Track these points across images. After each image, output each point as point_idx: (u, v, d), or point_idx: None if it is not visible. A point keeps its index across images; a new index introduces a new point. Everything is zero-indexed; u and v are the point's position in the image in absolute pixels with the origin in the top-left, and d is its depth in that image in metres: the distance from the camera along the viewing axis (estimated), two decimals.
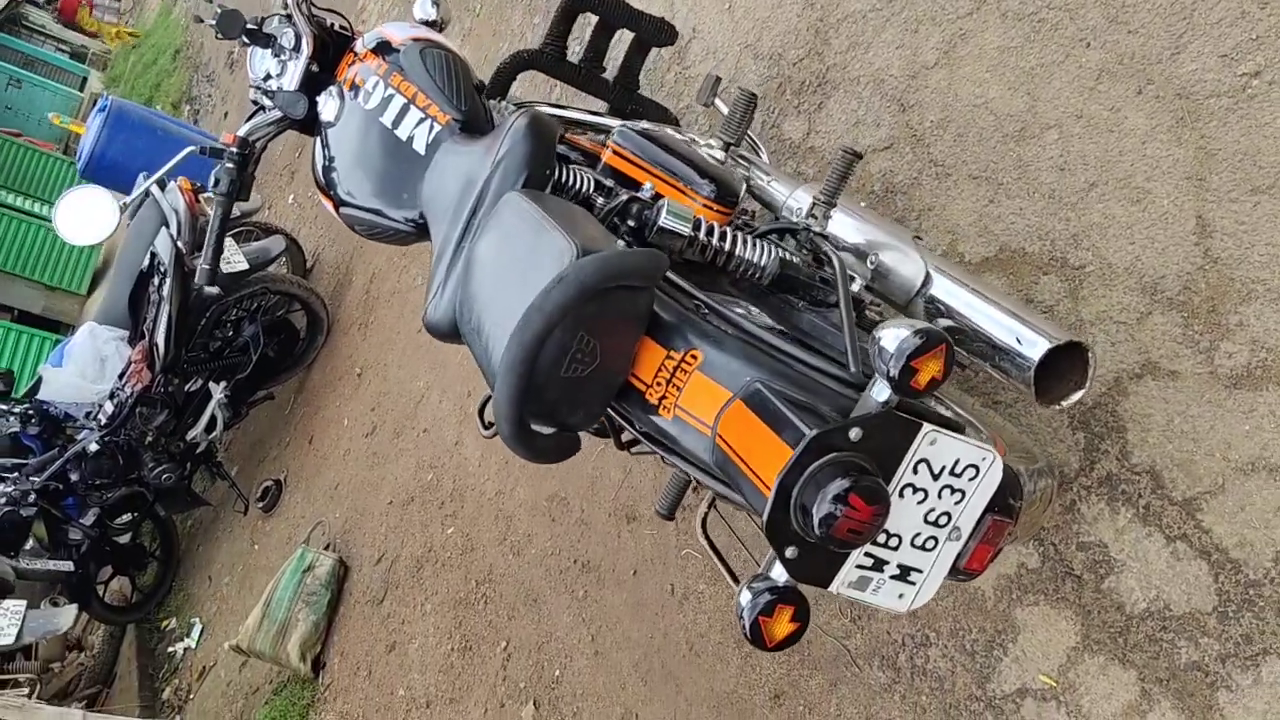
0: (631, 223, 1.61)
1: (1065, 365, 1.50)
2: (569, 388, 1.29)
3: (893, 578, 1.26)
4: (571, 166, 1.75)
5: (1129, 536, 1.67)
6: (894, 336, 1.16)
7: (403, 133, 1.95)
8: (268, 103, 2.29)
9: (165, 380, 4.83)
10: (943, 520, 1.25)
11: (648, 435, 1.41)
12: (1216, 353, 1.64)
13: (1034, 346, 1.48)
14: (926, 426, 1.19)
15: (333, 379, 5.05)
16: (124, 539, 5.30)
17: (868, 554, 1.23)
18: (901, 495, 1.22)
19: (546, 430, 1.34)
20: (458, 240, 1.63)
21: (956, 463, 1.23)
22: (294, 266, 5.60)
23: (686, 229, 1.59)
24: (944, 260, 1.72)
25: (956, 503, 1.25)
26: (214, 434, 5.13)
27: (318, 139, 2.19)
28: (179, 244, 4.70)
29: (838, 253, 1.65)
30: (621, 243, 1.41)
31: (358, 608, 3.93)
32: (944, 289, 1.67)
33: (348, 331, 5.03)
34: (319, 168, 2.17)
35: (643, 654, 2.55)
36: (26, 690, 3.92)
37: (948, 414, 1.32)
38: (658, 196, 1.65)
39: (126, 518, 5.25)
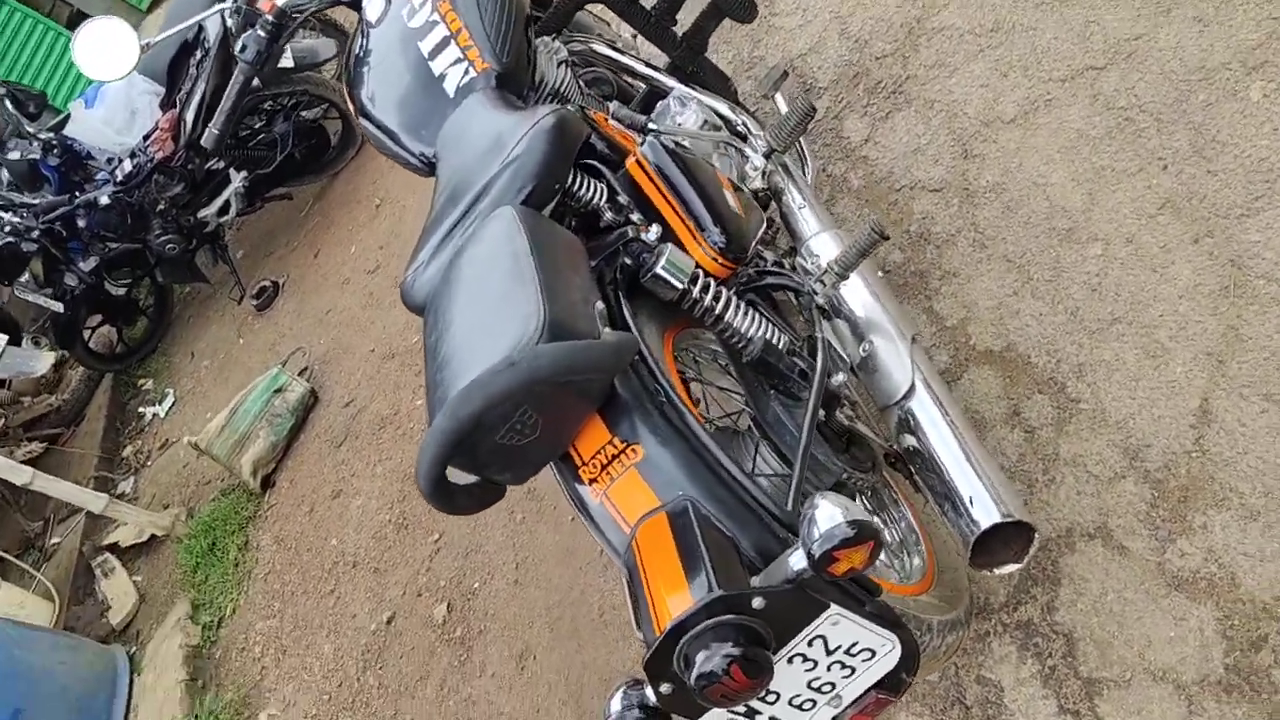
0: (629, 260, 1.54)
1: (1010, 533, 1.47)
2: (502, 452, 1.26)
3: None
4: (588, 176, 1.65)
5: (1026, 691, 1.68)
6: (828, 516, 1.13)
7: (436, 67, 1.84)
8: None
9: (187, 155, 4.77)
10: (826, 689, 1.25)
11: (575, 503, 1.39)
12: (1171, 546, 1.60)
13: (985, 514, 1.45)
14: (833, 609, 1.17)
15: (352, 200, 4.99)
16: (119, 292, 5.35)
17: (752, 712, 1.23)
18: (790, 661, 1.21)
19: (470, 479, 1.32)
20: (452, 223, 1.56)
21: (855, 644, 1.21)
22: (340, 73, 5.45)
23: (682, 283, 1.52)
24: (934, 376, 1.66)
25: (844, 677, 1.24)
26: (225, 218, 5.11)
27: (358, 30, 2.08)
28: (230, 25, 4.56)
29: (827, 348, 1.59)
30: (599, 305, 1.35)
31: (316, 443, 4.00)
32: (924, 409, 1.61)
33: (375, 157, 4.93)
34: (351, 62, 2.07)
35: (557, 601, 2.60)
36: None
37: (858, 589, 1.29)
38: (663, 239, 1.57)
39: (125, 273, 5.29)
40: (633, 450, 1.29)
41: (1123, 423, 1.73)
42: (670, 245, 1.54)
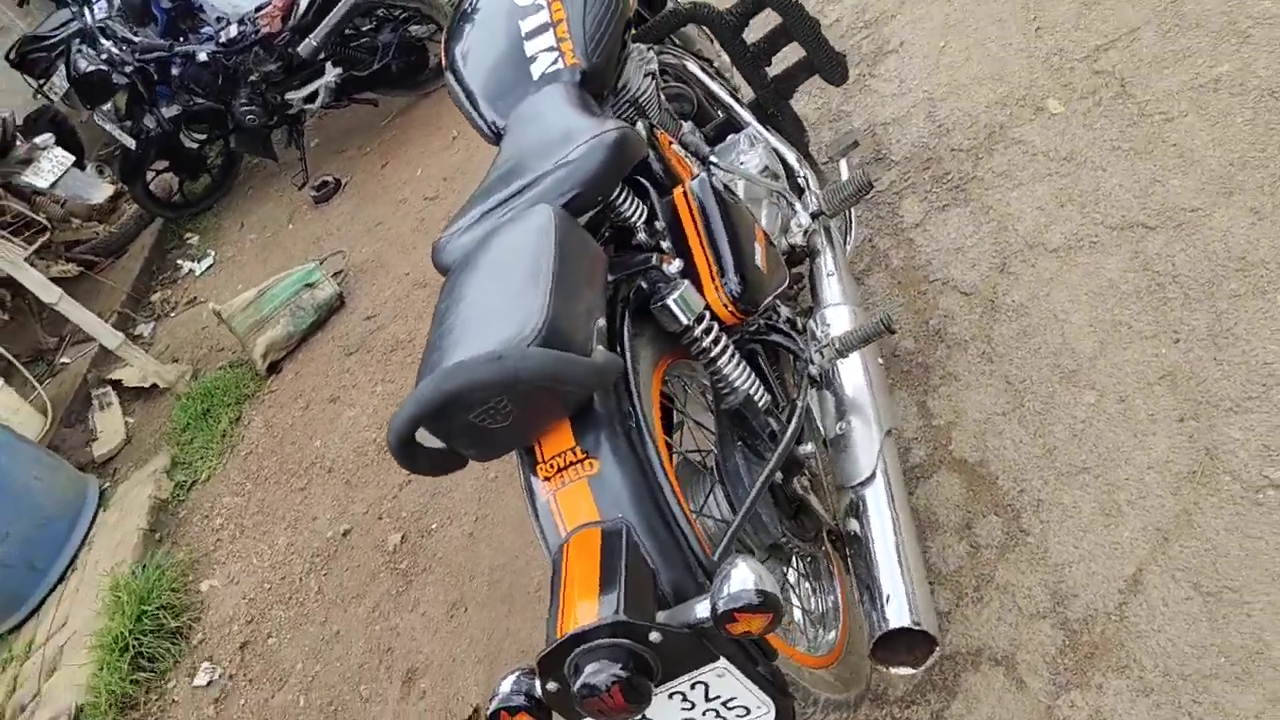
0: (645, 285, 1.62)
1: (916, 639, 1.54)
2: (472, 430, 1.34)
3: None
4: (634, 194, 1.73)
5: None
6: (741, 579, 1.21)
7: (529, 48, 1.92)
8: None
9: (290, 38, 4.89)
10: None
11: (526, 491, 1.47)
12: (1065, 695, 1.67)
13: (896, 614, 1.52)
14: (721, 662, 1.26)
15: (432, 125, 5.09)
16: (191, 146, 5.49)
17: None
18: (670, 697, 1.29)
19: (437, 445, 1.41)
20: (497, 202, 1.64)
21: (734, 699, 1.30)
22: None
23: (686, 320, 1.60)
24: (896, 473, 1.73)
25: (715, 714, 1.33)
26: (310, 106, 5.23)
27: None
28: None
29: (805, 416, 1.67)
30: (601, 323, 1.43)
31: (329, 346, 4.12)
32: (876, 500, 1.69)
33: None
34: (458, 15, 2.15)
35: (502, 564, 2.70)
36: (25, 251, 4.18)
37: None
38: (684, 273, 1.64)
39: (202, 130, 5.42)
40: (590, 463, 1.37)
41: (1060, 567, 1.80)
42: (687, 282, 1.61)
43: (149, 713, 3.08)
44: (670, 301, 1.59)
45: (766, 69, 2.40)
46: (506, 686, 1.31)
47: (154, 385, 4.53)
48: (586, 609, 1.24)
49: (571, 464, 1.39)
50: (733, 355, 1.67)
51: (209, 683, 3.06)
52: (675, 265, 1.63)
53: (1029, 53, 2.69)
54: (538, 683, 1.28)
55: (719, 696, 1.30)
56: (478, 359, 1.27)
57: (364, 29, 5.03)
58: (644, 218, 1.73)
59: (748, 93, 2.52)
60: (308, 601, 3.09)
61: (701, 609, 1.23)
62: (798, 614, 1.83)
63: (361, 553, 3.10)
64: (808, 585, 1.85)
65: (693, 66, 2.37)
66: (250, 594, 3.27)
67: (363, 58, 5.05)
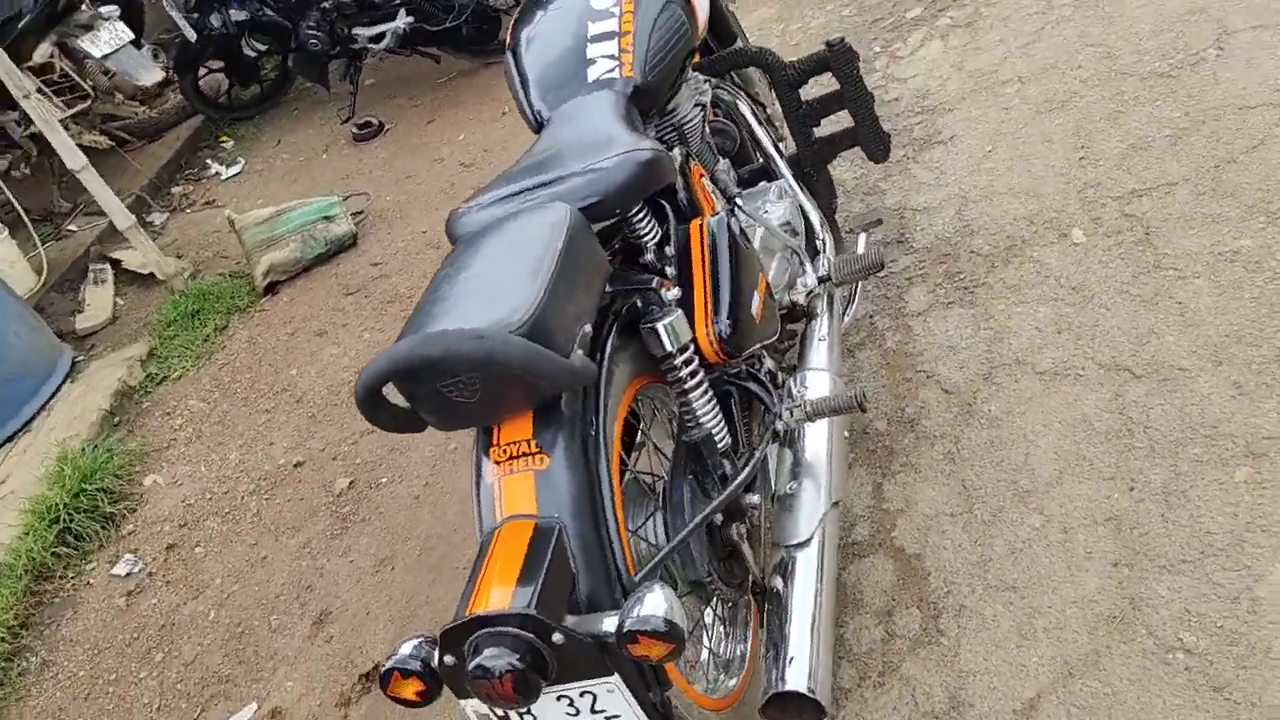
0: (639, 302, 1.65)
1: (807, 706, 1.57)
2: (438, 398, 1.38)
3: None
4: (653, 215, 1.77)
5: None
6: (653, 604, 1.24)
7: (591, 51, 1.96)
8: None
9: None
10: None
11: (474, 466, 1.50)
12: None
13: (794, 677, 1.56)
14: (614, 679, 1.29)
15: (486, 95, 5.14)
16: (249, 54, 5.53)
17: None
18: (558, 699, 1.33)
19: (402, 403, 1.44)
20: (521, 188, 1.68)
21: (616, 717, 1.33)
22: None
23: (670, 347, 1.64)
24: (832, 544, 1.78)
25: None
26: (374, 46, 5.27)
27: None
28: None
29: (759, 467, 1.71)
30: (587, 329, 1.46)
31: (330, 281, 4.15)
32: (806, 565, 1.73)
33: None
34: (531, 3, 2.19)
35: (439, 533, 2.73)
36: (62, 113, 4.21)
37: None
38: (680, 302, 1.68)
39: (264, 40, 5.46)
40: (542, 459, 1.41)
41: (965, 674, 1.84)
42: (680, 312, 1.65)
43: (62, 589, 3.10)
44: (660, 326, 1.63)
45: (814, 128, 2.45)
46: (406, 649, 1.34)
47: (151, 274, 4.55)
48: (500, 595, 1.27)
49: (524, 455, 1.42)
50: (706, 392, 1.70)
51: (127, 574, 3.08)
52: (673, 293, 1.67)
53: (1068, 179, 2.74)
54: (436, 653, 1.32)
55: (604, 711, 1.33)
56: (460, 332, 1.30)
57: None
58: (656, 240, 1.77)
59: (791, 146, 2.57)
60: (243, 522, 3.12)
61: (609, 623, 1.27)
62: (705, 654, 1.86)
63: (307, 488, 3.13)
64: (721, 629, 1.88)
65: (744, 108, 2.42)
66: (190, 499, 3.29)
67: (436, 13, 5.10)
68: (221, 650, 2.71)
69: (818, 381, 2.02)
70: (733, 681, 1.80)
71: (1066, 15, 3.37)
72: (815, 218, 2.41)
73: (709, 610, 1.88)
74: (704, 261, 1.77)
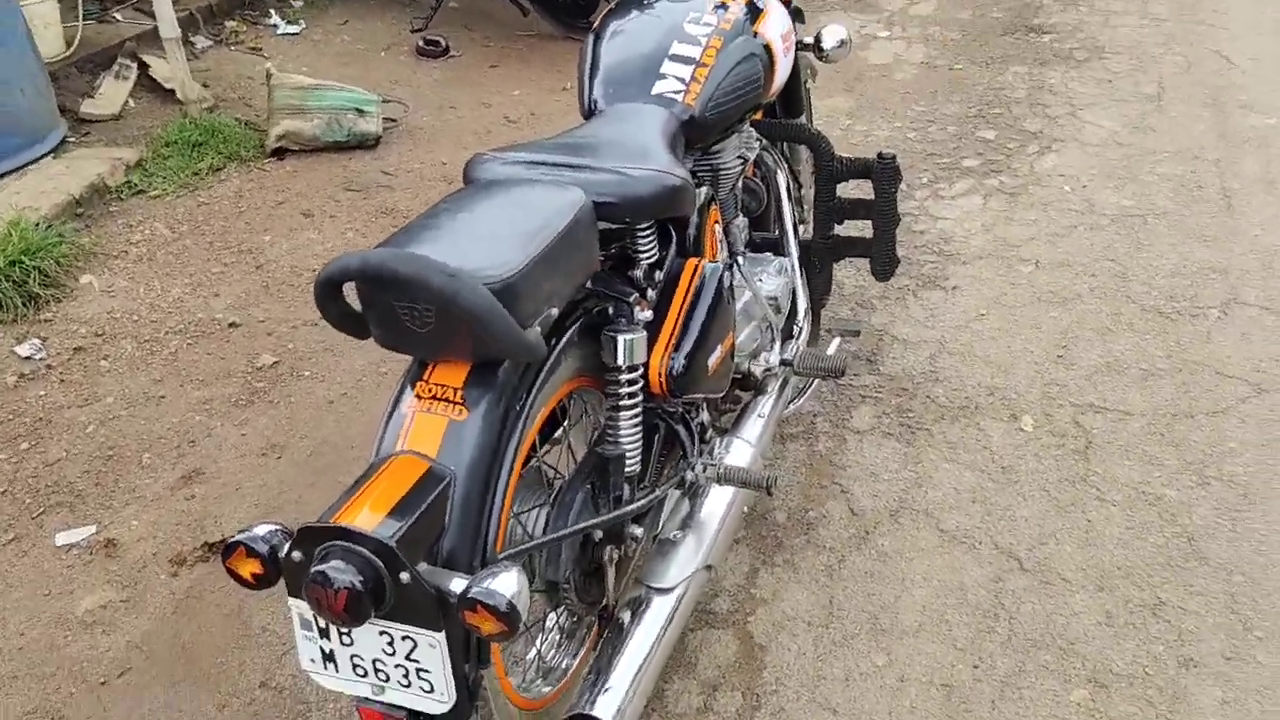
0: (610, 309, 1.69)
1: None
2: (390, 314, 1.40)
3: (322, 651, 1.40)
4: (659, 236, 1.81)
5: None
6: (504, 583, 1.27)
7: (665, 68, 1.99)
8: None
9: None
10: (380, 675, 1.38)
11: (396, 391, 1.52)
12: None
13: (603, 706, 1.59)
14: (440, 636, 1.31)
15: (557, 64, 5.18)
16: None
17: (325, 631, 1.37)
18: (381, 634, 1.34)
19: (356, 307, 1.46)
20: (549, 161, 1.70)
21: (426, 671, 1.35)
22: None
23: (621, 362, 1.67)
24: (689, 602, 1.81)
25: (398, 682, 1.37)
26: None
27: None
28: None
29: (654, 507, 1.75)
30: (554, 312, 1.49)
31: (336, 171, 4.15)
32: (659, 610, 1.76)
33: None
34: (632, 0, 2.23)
35: (335, 445, 2.73)
36: None
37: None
38: (648, 326, 1.72)
39: None
40: (461, 410, 1.43)
41: None
42: (644, 333, 1.69)
43: None
44: (621, 338, 1.67)
45: (836, 224, 2.51)
46: (259, 530, 1.36)
47: (172, 92, 4.51)
48: (369, 517, 1.29)
49: (447, 400, 1.44)
50: (636, 416, 1.74)
51: (27, 357, 3.04)
52: (646, 314, 1.71)
53: (1040, 369, 2.83)
54: (287, 546, 1.33)
55: (417, 662, 1.35)
56: (437, 264, 1.33)
57: None
58: (650, 262, 1.80)
59: (808, 232, 2.63)
60: (157, 356, 3.09)
61: (457, 584, 1.29)
62: (533, 653, 1.89)
63: (232, 350, 3.12)
64: (557, 637, 1.91)
65: (781, 179, 2.47)
66: (117, 313, 3.26)
67: None
68: (85, 465, 2.68)
69: (740, 451, 2.07)
70: (547, 689, 1.82)
71: (1102, 225, 3.48)
72: (802, 305, 2.47)
73: (553, 615, 1.91)
74: (685, 299, 1.81)
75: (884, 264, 2.47)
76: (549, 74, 5.10)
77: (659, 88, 1.97)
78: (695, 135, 1.97)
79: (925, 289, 3.23)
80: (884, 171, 2.35)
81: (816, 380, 2.38)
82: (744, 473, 1.90)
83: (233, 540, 1.35)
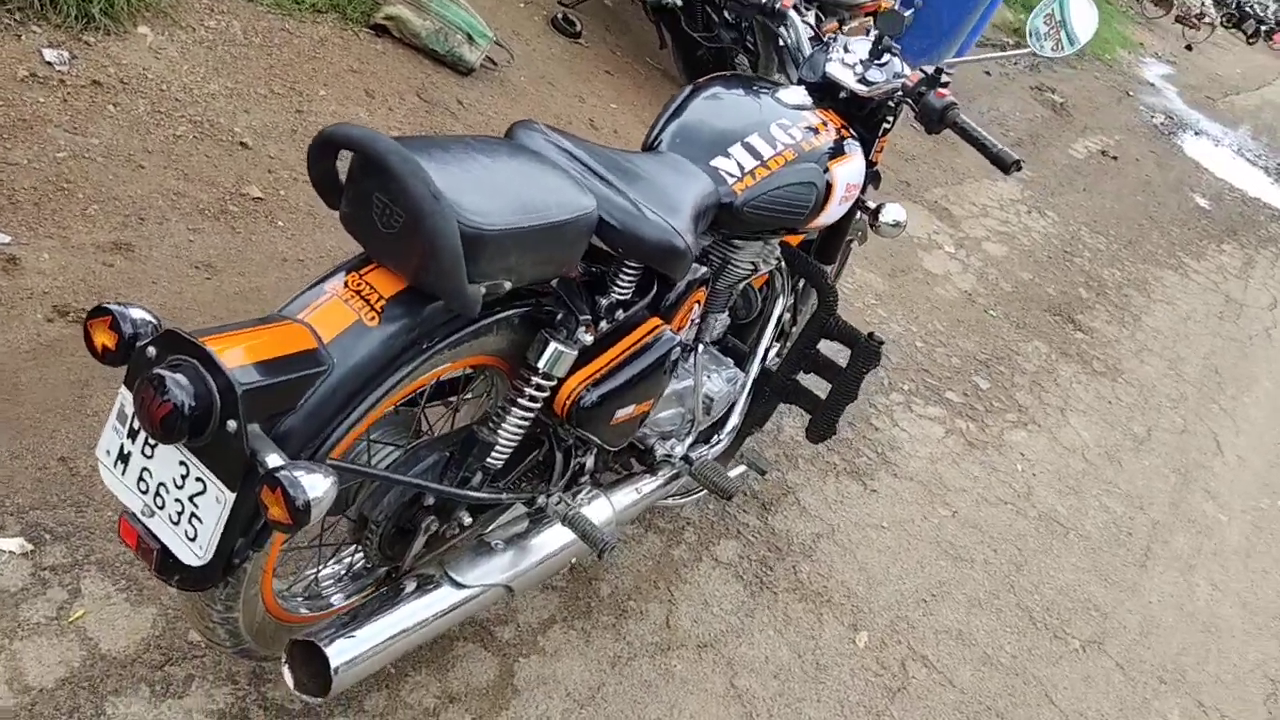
0: (559, 315, 1.70)
1: (316, 674, 1.58)
2: (362, 199, 1.41)
3: (121, 449, 1.39)
4: (642, 282, 1.83)
5: None
6: (315, 484, 1.26)
7: (734, 149, 2.01)
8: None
9: None
10: (158, 500, 1.37)
11: (331, 271, 1.52)
12: None
13: (337, 648, 1.58)
14: (231, 494, 1.31)
15: (661, 100, 5.26)
16: None
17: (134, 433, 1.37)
18: (180, 464, 1.34)
19: (341, 176, 1.47)
20: (584, 162, 1.73)
21: (201, 517, 1.35)
22: None
23: (541, 366, 1.69)
24: (475, 608, 1.82)
25: (173, 514, 1.37)
26: None
27: (782, 51, 2.35)
28: None
29: (493, 512, 1.76)
30: (508, 285, 1.51)
31: (419, 75, 4.18)
32: (440, 600, 1.76)
33: None
34: (751, 78, 2.29)
35: (269, 300, 2.72)
36: None
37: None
38: (584, 350, 1.74)
39: None
40: (375, 319, 1.44)
41: None
42: (575, 354, 1.71)
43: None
44: (553, 344, 1.69)
45: (800, 371, 2.55)
46: (134, 312, 1.36)
47: None
48: (235, 355, 1.29)
49: (368, 303, 1.46)
50: (525, 419, 1.75)
51: (49, 63, 3.03)
52: (587, 338, 1.73)
53: (900, 602, 2.87)
54: (151, 340, 1.33)
55: (197, 507, 1.35)
56: (429, 179, 1.35)
57: (731, 15, 5.18)
58: (620, 299, 1.83)
59: (775, 363, 2.67)
60: (161, 130, 3.09)
61: (273, 459, 1.29)
62: (313, 571, 1.88)
63: (229, 165, 3.11)
64: (343, 572, 1.90)
65: (779, 306, 2.52)
66: (151, 74, 3.26)
67: (713, 28, 5.17)
68: (36, 182, 2.66)
69: (599, 509, 2.07)
70: (304, 610, 1.80)
71: (1028, 515, 3.55)
72: (734, 421, 2.50)
73: (350, 553, 1.90)
74: (630, 347, 1.84)
75: (821, 429, 2.51)
76: (651, 106, 5.18)
77: (719, 163, 2.02)
78: (725, 220, 2.02)
79: (848, 477, 3.28)
80: (866, 351, 2.40)
81: (704, 492, 2.40)
82: (588, 525, 1.91)
83: (106, 306, 1.35)
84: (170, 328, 1.32)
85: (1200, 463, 4.44)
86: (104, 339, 1.35)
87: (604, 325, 1.81)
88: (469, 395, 1.96)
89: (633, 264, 1.79)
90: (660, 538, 2.66)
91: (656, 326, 1.90)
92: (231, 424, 1.27)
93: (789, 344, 2.69)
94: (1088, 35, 2.23)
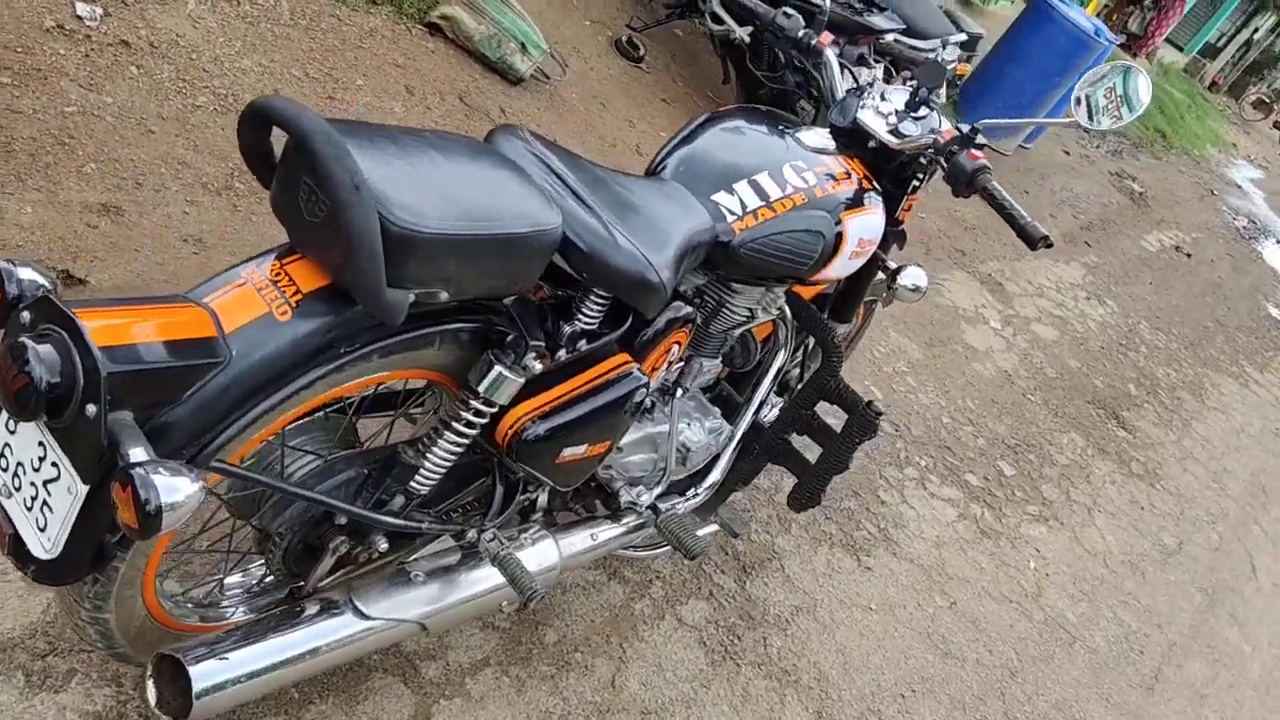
0: (510, 336, 1.55)
1: (178, 689, 1.43)
2: (291, 183, 1.28)
3: None
4: (609, 315, 1.68)
5: None
6: (175, 485, 1.13)
7: (738, 186, 1.86)
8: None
9: None
10: (16, 477, 1.25)
11: (252, 256, 1.40)
12: None
13: (211, 667, 1.43)
14: (82, 487, 1.18)
15: None
16: None
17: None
18: (40, 444, 1.21)
19: (273, 152, 1.34)
20: (569, 183, 1.59)
21: (48, 506, 1.21)
22: None
23: (480, 390, 1.54)
24: (382, 641, 1.66)
25: (27, 499, 1.24)
26: (714, 23, 5.16)
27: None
28: None
29: (416, 540, 1.61)
30: (444, 296, 1.37)
31: (466, 78, 4.09)
32: (343, 628, 1.61)
33: None
34: (783, 118, 2.14)
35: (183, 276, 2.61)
36: None
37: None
38: (536, 377, 1.59)
39: None
40: (287, 313, 1.31)
41: None
42: (522, 381, 1.55)
43: None
44: (496, 368, 1.54)
45: (792, 431, 2.37)
46: (25, 271, 1.26)
47: None
48: (110, 332, 1.17)
49: (283, 294, 1.33)
50: (457, 444, 1.60)
51: (78, 17, 2.97)
52: (536, 366, 1.57)
53: (876, 692, 2.65)
54: (27, 304, 1.21)
55: (49, 495, 1.22)
56: (354, 167, 1.21)
57: (786, 58, 5.04)
58: (584, 328, 1.67)
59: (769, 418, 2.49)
60: (181, 99, 3.02)
61: (135, 453, 1.15)
62: (213, 583, 1.75)
63: (235, 141, 3.02)
64: (246, 586, 1.76)
65: (779, 360, 2.33)
66: (183, 40, 3.19)
67: (778, 69, 5.04)
68: (36, 133, 2.59)
69: (542, 553, 1.91)
70: (192, 619, 1.65)
71: (1033, 617, 3.31)
72: (713, 476, 2.34)
73: (260, 563, 1.75)
74: (587, 382, 1.69)
75: (804, 497, 2.32)
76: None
77: (720, 198, 1.86)
78: (720, 260, 1.86)
79: (843, 550, 3.07)
80: (862, 420, 2.21)
81: (671, 547, 2.22)
82: (518, 570, 1.74)
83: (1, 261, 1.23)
84: (46, 293, 1.19)
85: (1231, 585, 4.16)
86: None
87: (563, 354, 1.65)
88: (416, 411, 1.82)
89: (601, 292, 1.64)
90: (623, 588, 2.49)
91: (624, 364, 1.74)
92: (91, 408, 1.13)
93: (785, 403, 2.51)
94: (1145, 103, 2.05)
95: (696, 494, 2.32)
